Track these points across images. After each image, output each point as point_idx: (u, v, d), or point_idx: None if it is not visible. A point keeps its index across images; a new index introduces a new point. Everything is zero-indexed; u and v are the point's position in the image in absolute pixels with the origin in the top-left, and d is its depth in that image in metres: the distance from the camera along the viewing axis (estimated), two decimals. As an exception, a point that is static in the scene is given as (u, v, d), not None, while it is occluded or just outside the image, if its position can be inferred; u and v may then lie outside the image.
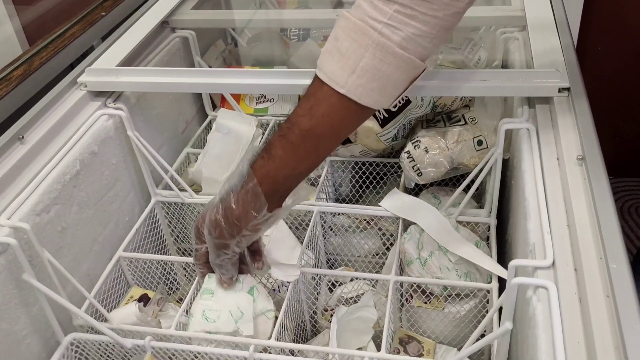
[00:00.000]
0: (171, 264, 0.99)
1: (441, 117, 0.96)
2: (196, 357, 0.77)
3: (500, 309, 0.61)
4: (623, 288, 0.50)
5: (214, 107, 1.21)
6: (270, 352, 0.74)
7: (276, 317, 0.80)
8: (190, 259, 0.90)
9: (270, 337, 0.75)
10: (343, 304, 0.90)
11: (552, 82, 0.78)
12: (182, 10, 1.12)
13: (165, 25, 1.09)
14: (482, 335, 0.69)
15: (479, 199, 0.99)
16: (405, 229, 0.88)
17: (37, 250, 0.69)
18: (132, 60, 0.97)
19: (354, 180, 1.06)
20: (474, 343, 0.63)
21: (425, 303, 0.85)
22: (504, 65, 1.02)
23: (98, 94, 0.89)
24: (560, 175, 0.68)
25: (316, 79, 0.62)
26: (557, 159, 0.70)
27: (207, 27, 1.18)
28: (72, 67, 0.99)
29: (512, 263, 0.57)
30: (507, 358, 0.65)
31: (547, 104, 0.79)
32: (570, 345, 0.51)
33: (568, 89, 0.77)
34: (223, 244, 0.69)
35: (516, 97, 0.85)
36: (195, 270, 0.79)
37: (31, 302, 0.72)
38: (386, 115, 0.92)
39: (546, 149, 0.72)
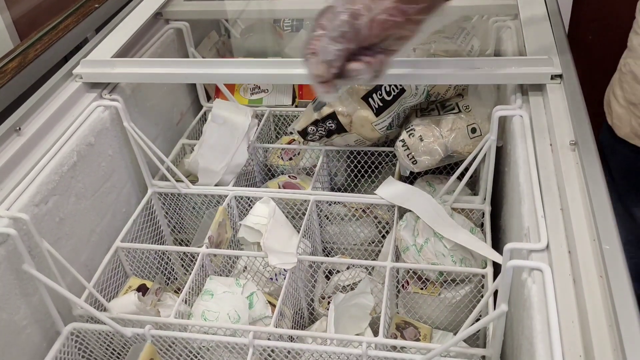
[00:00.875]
0: (168, 255, 0.99)
1: (435, 105, 0.96)
2: (194, 349, 0.78)
3: (496, 293, 0.62)
4: (616, 268, 0.52)
5: (209, 98, 1.22)
6: (269, 339, 0.75)
7: (274, 305, 0.81)
8: (187, 248, 0.91)
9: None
10: (340, 292, 0.91)
11: (544, 69, 0.79)
12: (175, 2, 1.12)
13: (159, 16, 1.09)
14: (478, 319, 0.70)
15: (473, 186, 1.00)
16: (400, 216, 0.89)
17: (37, 240, 0.70)
18: (126, 52, 0.97)
19: (349, 170, 1.07)
20: (470, 327, 0.64)
21: (422, 289, 0.86)
22: (497, 54, 1.03)
23: (93, 86, 0.90)
24: (553, 160, 0.69)
25: None
26: (550, 144, 0.71)
27: (201, 18, 1.18)
28: (65, 59, 0.99)
29: (508, 246, 0.58)
30: (503, 340, 0.66)
31: (540, 91, 0.80)
32: (565, 325, 0.52)
33: (560, 76, 0.78)
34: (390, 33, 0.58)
35: (509, 85, 0.86)
36: (192, 261, 0.80)
37: (31, 292, 0.73)
38: (381, 105, 0.93)
39: (539, 135, 0.73)
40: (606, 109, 0.96)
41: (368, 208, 1.00)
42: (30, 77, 0.92)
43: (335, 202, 0.99)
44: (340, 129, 0.97)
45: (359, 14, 0.58)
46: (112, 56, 0.92)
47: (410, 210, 0.88)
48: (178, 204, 1.01)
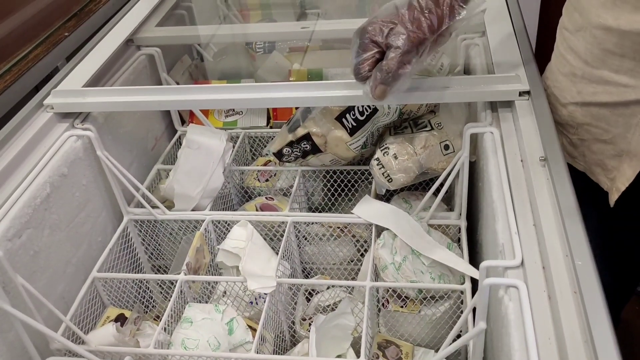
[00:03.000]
0: (146, 282, 0.98)
1: (408, 123, 0.98)
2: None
3: (474, 309, 0.62)
4: (589, 284, 0.53)
5: (183, 122, 1.21)
6: (251, 365, 0.75)
7: (255, 330, 0.81)
8: (165, 276, 0.90)
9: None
10: (321, 313, 0.91)
11: (512, 86, 0.80)
12: (146, 28, 1.12)
13: (130, 43, 1.08)
14: (459, 336, 0.70)
15: (448, 201, 1.01)
16: (378, 234, 0.90)
17: (11, 276, 0.69)
18: (98, 80, 0.97)
19: (325, 189, 1.08)
20: (450, 344, 0.64)
21: (402, 307, 0.86)
22: (466, 71, 1.05)
23: (65, 116, 0.89)
24: (524, 176, 0.70)
25: None
26: (521, 160, 0.73)
27: (172, 43, 1.18)
28: (37, 89, 0.98)
29: (483, 264, 0.59)
30: (483, 357, 0.66)
31: (509, 108, 0.82)
32: (542, 342, 0.53)
33: (528, 92, 0.80)
34: (418, 41, 0.68)
35: (479, 102, 0.87)
36: (170, 288, 0.79)
37: (6, 328, 0.71)
38: (354, 124, 0.94)
39: (510, 151, 0.75)
40: None
41: (346, 227, 1.00)
42: (1, 108, 0.91)
43: (313, 223, 0.99)
44: (315, 150, 0.97)
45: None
46: (84, 85, 0.91)
47: (387, 229, 0.88)
48: (155, 231, 1.00)
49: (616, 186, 0.83)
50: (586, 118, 0.82)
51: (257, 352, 0.76)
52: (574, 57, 0.82)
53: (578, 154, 0.88)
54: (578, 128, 0.85)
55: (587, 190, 0.83)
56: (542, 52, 0.93)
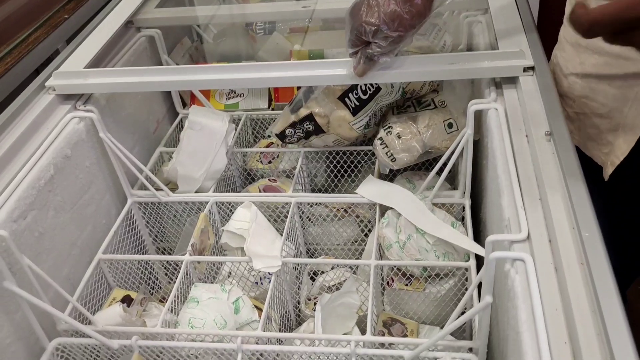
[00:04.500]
0: (151, 264, 0.98)
1: (411, 102, 0.97)
2: (182, 357, 0.78)
3: (480, 285, 0.62)
4: (596, 255, 0.53)
5: (184, 105, 1.21)
6: (257, 343, 0.75)
7: (260, 309, 0.81)
8: (170, 257, 0.91)
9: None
10: (326, 292, 0.91)
11: (516, 62, 0.80)
12: (146, 9, 1.11)
13: (130, 25, 1.08)
14: (464, 312, 0.71)
15: (452, 180, 1.01)
16: (382, 214, 0.90)
17: (17, 257, 0.69)
18: (99, 62, 0.96)
19: (328, 170, 1.07)
20: (456, 320, 0.65)
21: (406, 285, 0.86)
22: (469, 49, 1.04)
23: (67, 97, 0.89)
24: (530, 151, 0.70)
25: None
26: (526, 136, 0.72)
27: (172, 24, 1.17)
28: (37, 72, 0.98)
29: (489, 238, 0.59)
30: (489, 332, 0.67)
31: (514, 84, 0.81)
32: (550, 313, 0.53)
33: (532, 68, 0.80)
34: (400, 38, 0.71)
35: (483, 79, 0.86)
36: (175, 270, 0.79)
37: (13, 309, 0.72)
38: (357, 104, 0.94)
39: (515, 127, 0.74)
40: None
41: (350, 207, 1.00)
42: (2, 91, 0.90)
43: (316, 203, 0.99)
44: (318, 130, 0.97)
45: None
46: (85, 67, 0.91)
47: (391, 208, 0.88)
48: (159, 213, 1.00)
49: (611, 160, 0.83)
50: (585, 90, 0.82)
51: (264, 331, 0.76)
52: None
53: (574, 127, 0.88)
54: (576, 100, 0.85)
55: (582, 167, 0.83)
56: (543, 30, 0.92)
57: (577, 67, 0.83)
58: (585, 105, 0.84)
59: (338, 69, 0.83)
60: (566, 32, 0.87)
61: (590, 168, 0.88)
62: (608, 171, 0.84)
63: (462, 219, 0.90)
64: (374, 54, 0.75)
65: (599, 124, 0.84)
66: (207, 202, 0.94)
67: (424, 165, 1.04)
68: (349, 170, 1.06)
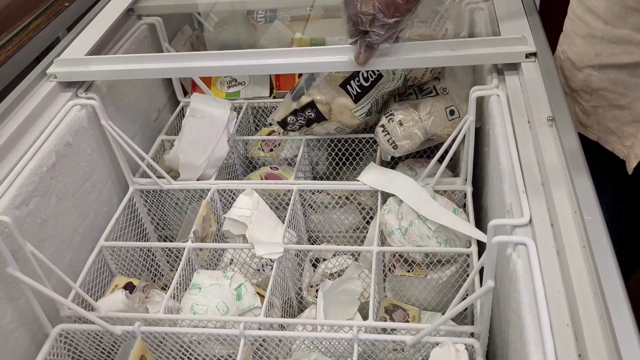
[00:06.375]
0: (153, 251, 0.99)
1: (413, 90, 0.97)
2: (185, 343, 0.78)
3: (481, 271, 0.63)
4: (598, 238, 0.53)
5: (185, 93, 1.21)
6: (260, 329, 0.75)
7: (263, 296, 0.81)
8: (172, 244, 0.91)
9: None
10: (328, 279, 0.91)
11: (519, 48, 0.80)
12: (146, -3, 1.11)
13: (131, 12, 1.08)
14: (465, 298, 0.71)
15: (454, 168, 1.01)
16: (384, 201, 0.90)
17: (20, 243, 0.69)
18: (99, 49, 0.96)
19: (330, 158, 1.07)
20: (457, 305, 0.65)
21: (408, 272, 0.87)
22: (471, 36, 1.04)
23: (68, 85, 0.88)
24: (532, 137, 0.70)
25: None
26: (528, 121, 0.72)
27: (173, 12, 1.17)
28: (38, 60, 0.98)
29: (492, 223, 0.59)
30: (490, 316, 0.67)
31: (516, 70, 0.81)
32: (552, 296, 0.53)
33: (535, 54, 0.79)
34: (397, 23, 0.72)
35: (485, 66, 0.86)
36: (177, 257, 0.80)
37: (16, 295, 0.72)
38: (359, 91, 0.93)
39: (517, 112, 0.74)
40: None
41: (351, 195, 1.00)
42: (3, 78, 0.90)
43: (318, 191, 0.99)
44: (320, 118, 0.97)
45: None
46: (86, 54, 0.91)
47: (393, 195, 0.88)
48: (160, 201, 1.00)
49: (635, 153, 0.82)
50: (602, 82, 0.81)
51: (266, 317, 0.76)
52: (592, 18, 0.81)
53: (591, 122, 0.87)
54: (593, 94, 0.84)
55: (600, 162, 0.81)
56: (544, 17, 0.92)
57: (593, 59, 0.82)
58: (604, 97, 0.83)
59: (339, 56, 0.83)
60: (575, 25, 0.86)
61: (610, 163, 0.86)
62: (632, 164, 0.82)
63: (464, 206, 0.90)
64: (373, 42, 0.75)
65: (620, 116, 0.83)
66: (208, 190, 0.94)
67: (425, 152, 1.04)
68: (350, 157, 1.06)
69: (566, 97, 0.85)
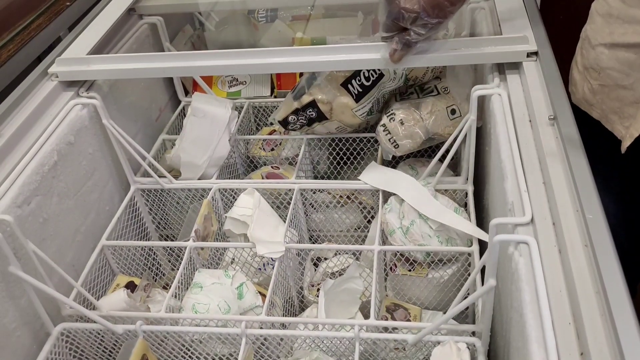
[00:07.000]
0: (155, 251, 0.99)
1: (414, 89, 0.97)
2: (186, 342, 0.78)
3: (483, 270, 0.63)
4: (600, 236, 0.53)
5: (186, 93, 1.21)
6: (261, 328, 0.76)
7: (264, 295, 0.81)
8: (174, 243, 0.91)
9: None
10: (329, 278, 0.91)
11: (520, 47, 0.80)
12: (147, -4, 1.11)
13: (132, 12, 1.08)
14: (467, 297, 0.71)
15: (455, 167, 1.01)
16: (385, 200, 0.90)
17: (22, 242, 0.69)
18: (101, 49, 0.96)
19: (331, 157, 1.07)
20: (459, 303, 0.65)
21: (409, 271, 0.87)
22: (472, 35, 1.04)
23: (70, 84, 0.89)
24: (533, 136, 0.70)
25: None
26: (530, 120, 0.72)
27: (174, 12, 1.17)
28: (39, 59, 0.97)
29: (493, 222, 0.59)
30: (492, 315, 0.67)
31: (517, 69, 0.81)
32: (554, 295, 0.53)
33: (536, 53, 0.79)
34: (439, 24, 0.72)
35: (487, 65, 0.86)
36: (178, 257, 0.79)
37: (18, 294, 0.72)
38: (360, 90, 0.94)
39: (518, 112, 0.74)
40: (569, 78, 0.97)
41: (352, 194, 1.01)
42: (5, 78, 0.90)
43: (319, 190, 1.00)
44: (321, 117, 0.97)
45: None
46: (87, 54, 0.91)
47: (394, 194, 0.89)
48: (162, 200, 1.00)
49: (630, 133, 0.82)
50: (611, 61, 0.81)
51: (267, 316, 0.76)
52: None
53: (596, 100, 0.86)
54: (601, 72, 0.83)
55: (606, 150, 0.82)
56: (545, 15, 0.92)
57: (606, 38, 0.82)
58: (610, 76, 0.83)
59: (340, 55, 0.83)
60: (598, 4, 0.86)
61: (610, 150, 0.86)
62: (626, 143, 0.82)
63: (465, 205, 0.90)
64: (412, 40, 0.74)
65: (623, 96, 0.83)
66: (210, 189, 0.94)
67: (426, 152, 1.04)
68: (351, 157, 1.06)
69: (579, 75, 0.85)
